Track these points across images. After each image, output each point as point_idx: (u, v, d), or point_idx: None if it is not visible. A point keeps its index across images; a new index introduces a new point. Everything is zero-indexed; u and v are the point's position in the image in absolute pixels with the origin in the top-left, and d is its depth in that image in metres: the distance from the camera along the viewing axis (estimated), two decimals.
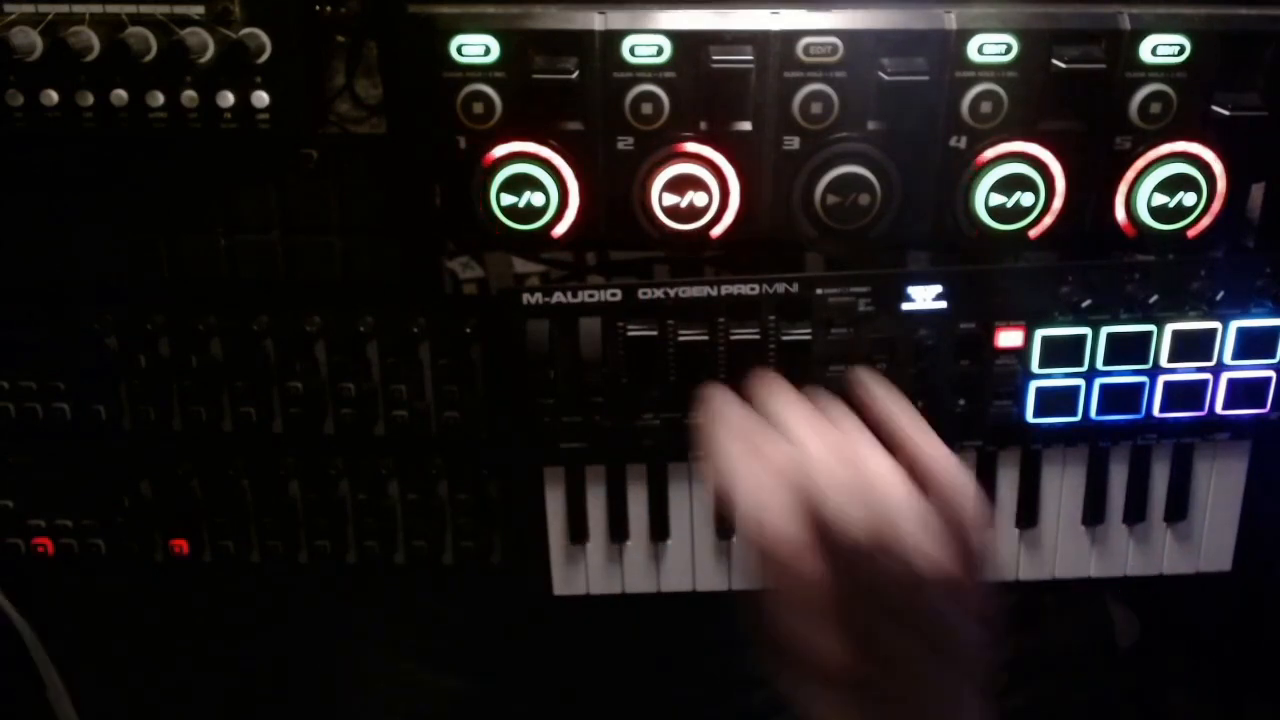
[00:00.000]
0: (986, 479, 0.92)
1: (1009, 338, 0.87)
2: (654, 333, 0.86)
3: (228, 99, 0.80)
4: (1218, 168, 0.84)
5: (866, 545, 0.60)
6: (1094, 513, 0.93)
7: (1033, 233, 0.86)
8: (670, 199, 0.83)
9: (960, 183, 0.84)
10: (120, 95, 0.80)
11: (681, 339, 0.86)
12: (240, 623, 1.11)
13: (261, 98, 0.80)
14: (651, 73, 0.80)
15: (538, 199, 0.83)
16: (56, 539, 0.96)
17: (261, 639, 1.05)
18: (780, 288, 0.86)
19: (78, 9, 0.78)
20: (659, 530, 0.93)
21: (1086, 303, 0.86)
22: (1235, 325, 0.87)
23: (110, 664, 1.12)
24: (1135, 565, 0.95)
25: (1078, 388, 0.89)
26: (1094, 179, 0.85)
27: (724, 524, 0.93)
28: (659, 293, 0.86)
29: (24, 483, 0.95)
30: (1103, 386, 0.89)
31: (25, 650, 0.98)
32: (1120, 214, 0.86)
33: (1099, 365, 0.88)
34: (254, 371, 0.91)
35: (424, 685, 1.08)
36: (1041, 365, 0.88)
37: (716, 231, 0.85)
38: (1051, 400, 0.89)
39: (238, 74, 0.79)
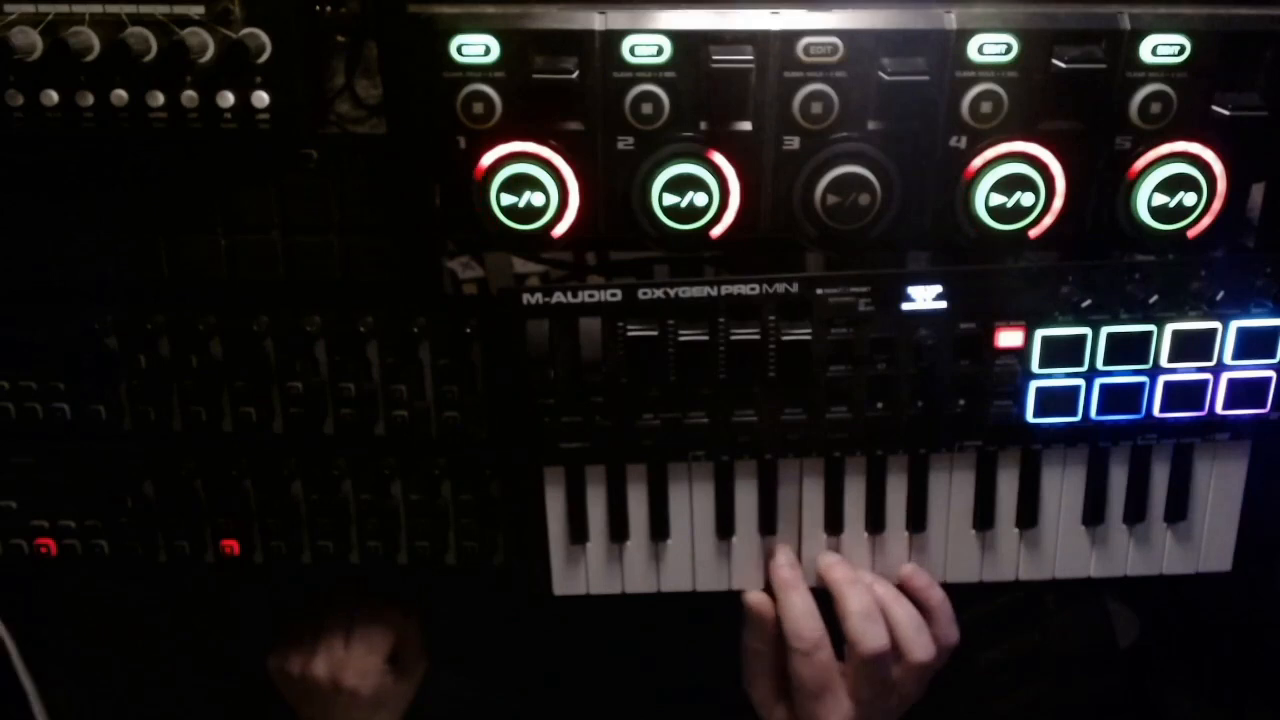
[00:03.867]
0: (986, 479, 0.92)
1: (1009, 338, 0.87)
2: (654, 333, 0.86)
3: (228, 99, 0.80)
4: (1218, 168, 0.84)
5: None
6: (1094, 513, 0.93)
7: (1033, 233, 0.86)
8: (670, 199, 0.83)
9: (960, 183, 0.84)
10: (120, 95, 0.79)
11: (681, 339, 0.86)
12: (242, 622, 1.11)
13: (261, 98, 0.80)
14: (651, 73, 0.80)
15: (538, 199, 0.83)
16: (60, 540, 0.96)
17: (263, 639, 1.05)
18: (780, 288, 0.86)
19: (78, 9, 0.78)
20: (659, 530, 0.93)
21: (1086, 303, 0.86)
22: (1235, 325, 0.87)
23: (110, 664, 1.12)
24: (1135, 565, 0.95)
25: (1078, 388, 0.89)
26: (1094, 179, 0.85)
27: (724, 524, 0.93)
28: (659, 293, 0.86)
29: (26, 483, 0.95)
30: (1103, 386, 0.89)
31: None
32: (1120, 214, 0.86)
33: (1099, 365, 0.88)
34: (254, 371, 0.91)
35: (425, 685, 1.07)
36: (1041, 365, 0.88)
37: (716, 231, 0.85)
38: (1051, 400, 0.89)
39: (238, 74, 0.79)
